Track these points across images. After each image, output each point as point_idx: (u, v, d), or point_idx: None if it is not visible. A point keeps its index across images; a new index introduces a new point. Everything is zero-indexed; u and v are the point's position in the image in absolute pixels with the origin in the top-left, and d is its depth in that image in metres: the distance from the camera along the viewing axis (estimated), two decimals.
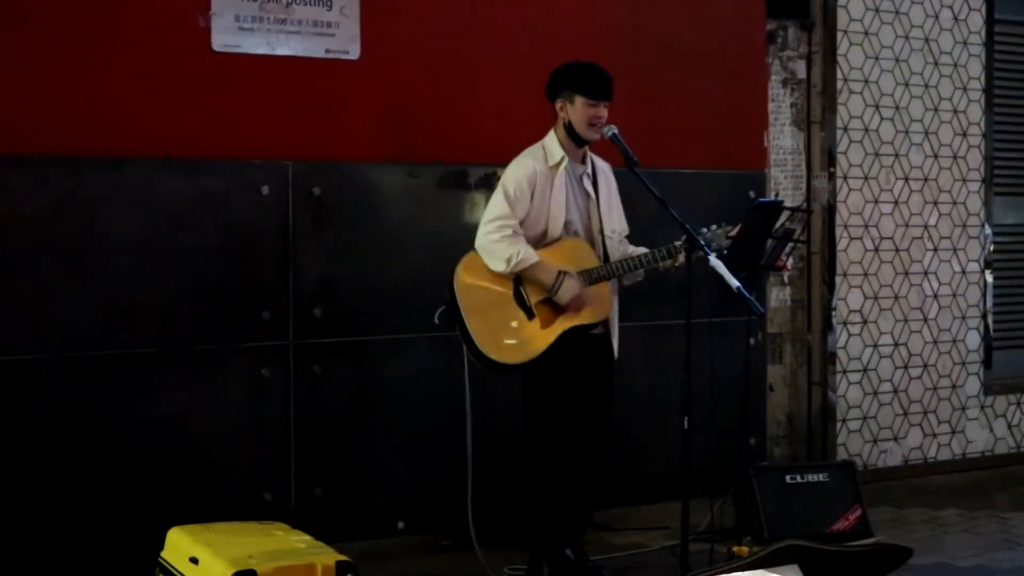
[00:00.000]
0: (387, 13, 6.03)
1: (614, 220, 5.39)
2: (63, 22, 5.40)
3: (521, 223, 5.19)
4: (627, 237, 5.49)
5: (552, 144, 5.27)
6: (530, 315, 5.15)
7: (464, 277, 5.18)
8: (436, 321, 5.27)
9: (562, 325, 5.15)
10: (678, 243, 5.10)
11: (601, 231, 5.29)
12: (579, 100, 5.18)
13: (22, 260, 5.33)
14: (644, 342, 5.53)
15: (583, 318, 5.17)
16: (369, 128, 6.01)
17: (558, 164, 5.23)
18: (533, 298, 5.15)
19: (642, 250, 5.35)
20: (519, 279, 5.17)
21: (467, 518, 5.44)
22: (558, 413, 5.23)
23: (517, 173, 5.23)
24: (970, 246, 7.96)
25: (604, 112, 5.21)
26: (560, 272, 5.12)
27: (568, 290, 5.11)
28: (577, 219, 5.27)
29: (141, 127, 5.54)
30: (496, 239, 5.12)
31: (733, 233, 5.26)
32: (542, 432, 5.25)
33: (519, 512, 5.54)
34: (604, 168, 5.42)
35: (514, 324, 5.15)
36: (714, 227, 5.23)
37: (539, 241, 5.21)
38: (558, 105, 5.25)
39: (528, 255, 5.09)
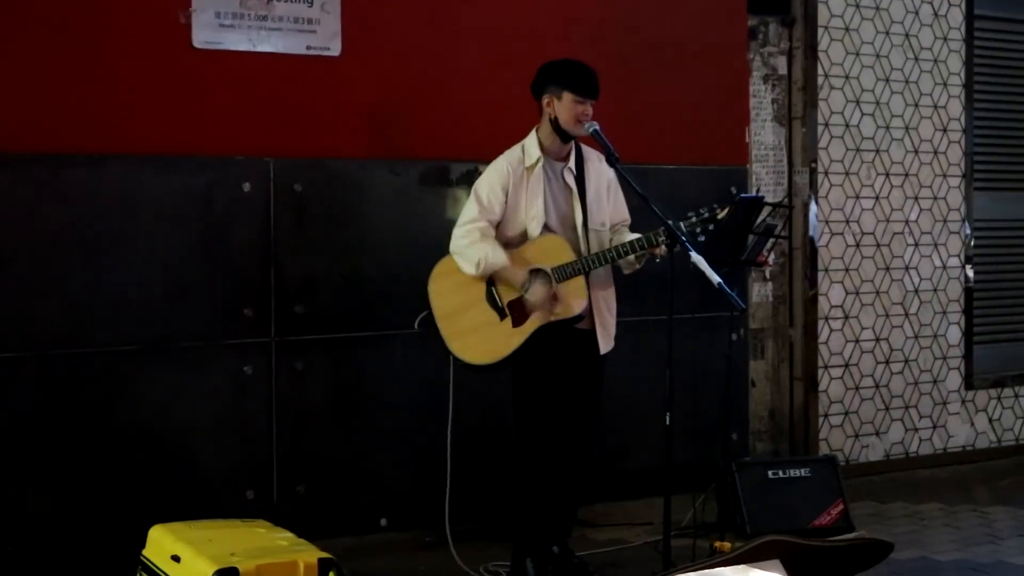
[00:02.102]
0: (368, 10, 6.02)
1: (604, 212, 5.36)
2: (44, 20, 5.38)
3: (498, 225, 5.20)
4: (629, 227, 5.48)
5: (531, 144, 5.27)
6: (502, 315, 5.15)
7: (438, 283, 5.24)
8: (416, 327, 5.28)
9: (534, 323, 5.14)
10: (656, 235, 5.07)
11: (585, 225, 5.28)
12: (567, 96, 5.18)
13: (2, 257, 5.31)
14: (626, 338, 5.54)
15: (556, 315, 5.17)
16: (351, 125, 6.01)
17: (534, 165, 5.23)
18: (505, 298, 5.16)
19: (628, 237, 5.33)
20: (492, 280, 5.18)
21: (451, 515, 5.44)
22: (544, 408, 5.23)
23: (491, 176, 5.25)
24: (951, 241, 7.99)
25: (590, 110, 5.21)
26: (530, 274, 5.12)
27: (535, 294, 5.11)
28: (556, 217, 5.26)
29: (122, 124, 5.53)
30: (465, 243, 5.15)
31: (722, 215, 5.23)
32: (529, 427, 5.25)
33: (503, 508, 5.54)
34: (596, 160, 5.38)
35: (485, 325, 5.16)
36: (692, 216, 5.20)
37: (519, 241, 5.22)
38: (545, 100, 5.24)
39: (495, 258, 5.10)
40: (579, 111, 5.18)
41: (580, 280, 5.17)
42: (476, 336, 5.16)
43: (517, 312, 5.15)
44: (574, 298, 5.18)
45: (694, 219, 5.15)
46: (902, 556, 5.63)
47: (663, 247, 5.09)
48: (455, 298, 5.20)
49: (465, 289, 5.19)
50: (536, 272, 5.14)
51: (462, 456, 5.60)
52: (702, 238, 5.16)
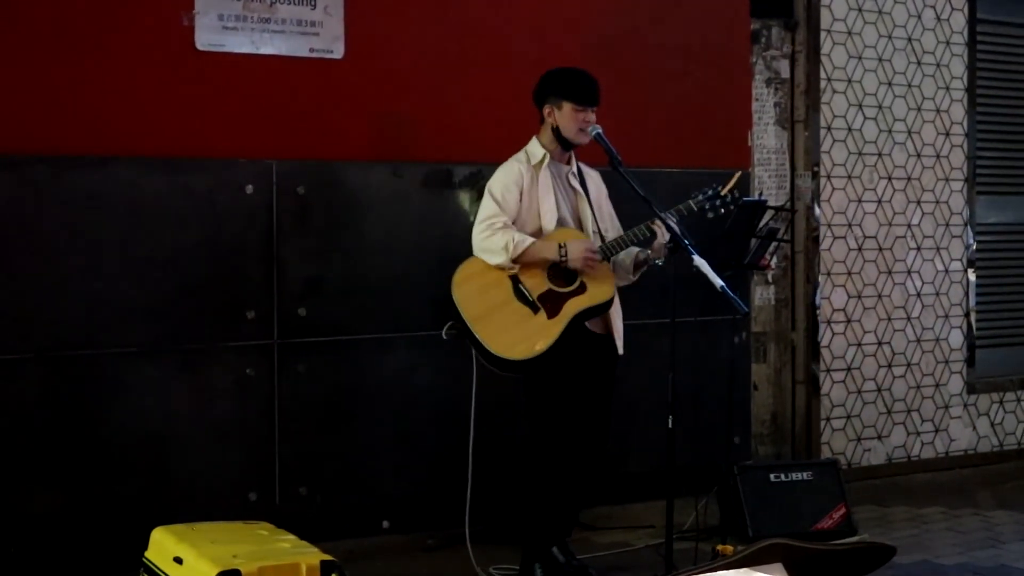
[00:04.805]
0: (371, 12, 6.02)
1: (606, 220, 5.41)
2: (46, 22, 5.39)
3: (513, 223, 5.20)
4: None
5: (534, 147, 5.31)
6: (535, 309, 5.15)
7: (462, 288, 5.20)
8: (444, 336, 5.25)
9: (569, 311, 5.15)
10: (668, 216, 5.08)
11: (596, 229, 5.29)
12: (567, 106, 5.21)
13: (5, 259, 5.31)
14: (629, 341, 5.54)
15: (590, 299, 5.17)
16: (354, 127, 6.01)
17: (540, 162, 5.25)
18: (534, 292, 5.16)
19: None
20: (517, 278, 5.18)
21: (452, 517, 5.45)
22: (560, 412, 5.23)
23: (503, 175, 5.27)
24: (953, 245, 7.99)
25: (592, 117, 5.24)
26: (561, 242, 5.13)
27: (576, 250, 5.11)
28: (568, 216, 5.29)
29: (125, 126, 5.53)
30: (488, 235, 5.15)
31: (725, 191, 5.25)
32: (542, 429, 5.24)
33: (512, 511, 5.54)
34: (593, 174, 5.46)
35: (520, 321, 5.15)
36: (698, 195, 5.24)
37: (536, 238, 5.22)
38: (546, 110, 5.27)
39: (522, 239, 5.12)
40: (580, 119, 5.22)
41: (606, 266, 5.20)
42: (515, 333, 5.13)
43: (549, 304, 5.15)
44: (606, 282, 5.19)
45: (700, 197, 5.20)
46: (904, 560, 5.63)
47: (666, 247, 5.11)
48: (483, 300, 5.17)
49: (492, 290, 5.18)
50: (558, 268, 5.14)
51: (465, 458, 5.60)
52: (711, 215, 5.20)
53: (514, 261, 5.13)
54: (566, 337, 5.14)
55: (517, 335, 5.14)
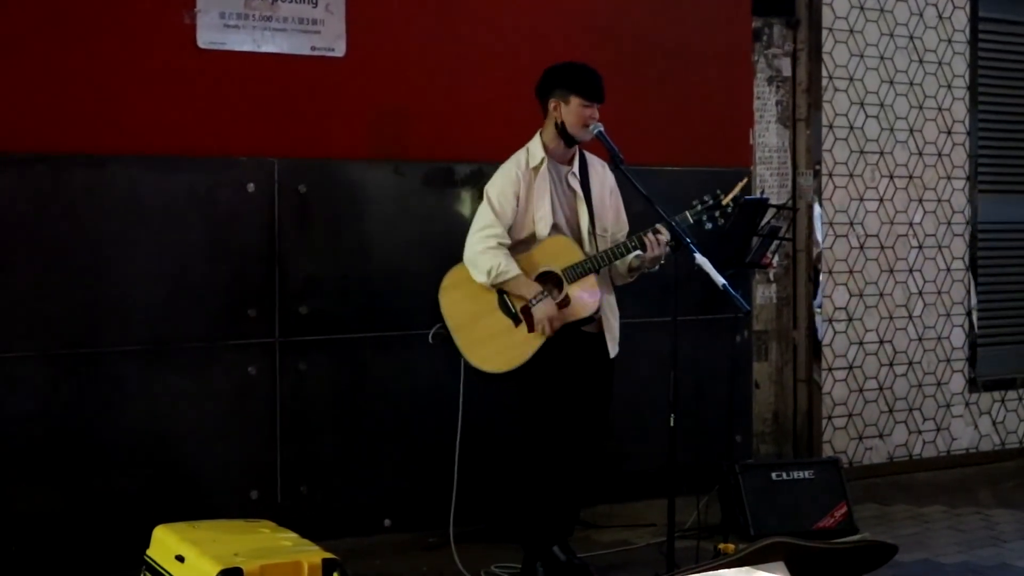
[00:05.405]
0: (373, 10, 6.02)
1: (607, 218, 5.36)
2: (47, 19, 5.39)
3: (509, 229, 5.19)
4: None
5: (535, 146, 5.28)
6: (516, 321, 5.14)
7: (449, 294, 5.22)
8: (431, 340, 5.26)
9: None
10: (664, 226, 5.07)
11: (592, 230, 5.27)
12: (574, 101, 5.18)
13: (6, 258, 5.31)
14: (630, 339, 5.54)
15: (570, 315, 5.15)
16: (355, 125, 6.01)
17: (539, 165, 5.23)
18: (518, 304, 5.15)
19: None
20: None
21: (454, 515, 5.45)
22: (551, 411, 5.22)
23: (501, 181, 5.25)
24: (955, 243, 7.99)
25: (597, 114, 5.21)
26: (540, 291, 5.12)
27: (541, 310, 5.10)
28: (563, 219, 5.26)
29: (126, 124, 5.53)
30: (480, 250, 5.13)
31: (727, 200, 5.22)
32: (536, 429, 5.24)
33: (511, 510, 5.54)
34: (598, 166, 5.40)
35: (501, 333, 5.14)
36: (697, 205, 5.21)
37: (528, 244, 5.21)
38: (551, 104, 5.24)
39: (508, 269, 5.09)
40: (586, 115, 5.18)
41: (591, 279, 5.17)
42: (493, 345, 5.14)
43: (531, 317, 5.13)
44: (587, 298, 5.17)
45: (699, 207, 5.17)
46: (905, 558, 5.62)
47: (667, 247, 5.10)
48: (468, 308, 5.18)
49: (477, 298, 5.17)
50: (546, 277, 5.13)
51: (467, 457, 5.60)
52: (709, 226, 5.17)
53: (492, 286, 5.15)
54: (552, 344, 5.13)
55: (496, 347, 5.14)
